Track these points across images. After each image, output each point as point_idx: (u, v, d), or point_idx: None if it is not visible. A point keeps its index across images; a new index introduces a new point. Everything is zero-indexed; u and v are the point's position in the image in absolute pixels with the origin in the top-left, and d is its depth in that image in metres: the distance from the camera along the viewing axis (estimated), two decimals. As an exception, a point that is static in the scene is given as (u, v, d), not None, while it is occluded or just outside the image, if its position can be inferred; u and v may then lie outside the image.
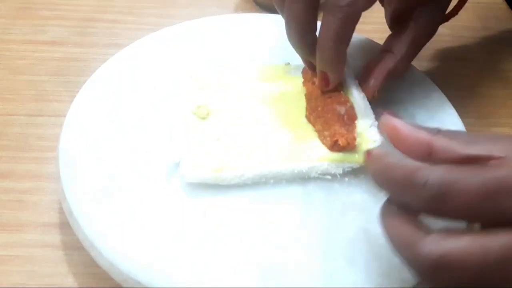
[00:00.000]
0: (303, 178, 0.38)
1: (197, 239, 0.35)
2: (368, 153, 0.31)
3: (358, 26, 0.41)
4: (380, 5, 0.45)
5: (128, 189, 0.37)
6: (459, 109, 0.45)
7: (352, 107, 0.40)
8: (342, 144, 0.38)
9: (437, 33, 0.59)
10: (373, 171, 0.30)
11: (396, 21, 0.44)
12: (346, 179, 0.39)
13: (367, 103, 0.41)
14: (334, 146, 0.38)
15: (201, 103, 0.42)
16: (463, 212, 0.27)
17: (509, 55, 0.58)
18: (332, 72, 0.39)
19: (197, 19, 0.51)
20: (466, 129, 0.43)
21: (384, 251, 0.35)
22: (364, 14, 0.38)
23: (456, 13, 0.50)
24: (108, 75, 0.45)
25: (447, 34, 0.60)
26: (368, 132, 0.39)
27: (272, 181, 0.38)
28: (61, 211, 0.39)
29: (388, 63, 0.42)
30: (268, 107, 0.42)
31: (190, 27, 0.50)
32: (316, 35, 0.39)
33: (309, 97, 0.42)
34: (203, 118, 0.41)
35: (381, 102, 0.44)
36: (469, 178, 0.26)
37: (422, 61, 0.56)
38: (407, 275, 0.33)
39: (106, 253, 0.34)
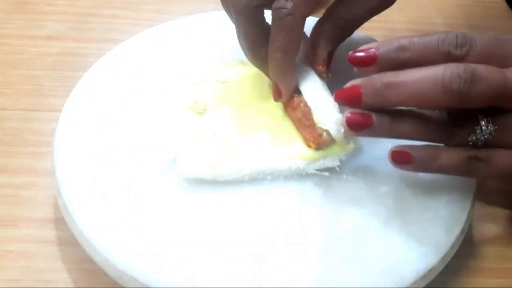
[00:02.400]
0: (300, 175, 0.38)
1: (193, 235, 0.35)
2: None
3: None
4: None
5: (123, 185, 0.37)
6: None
7: (305, 105, 0.38)
8: (313, 146, 0.38)
9: (436, 31, 0.59)
10: None
11: None
12: (344, 176, 0.38)
13: (325, 92, 0.39)
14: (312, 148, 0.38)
15: (198, 99, 0.42)
16: None
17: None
18: (281, 83, 0.39)
19: (194, 14, 0.51)
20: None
21: (382, 249, 0.35)
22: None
23: None
24: (105, 70, 0.45)
25: (447, 32, 0.60)
26: (332, 119, 0.37)
27: (269, 177, 0.38)
28: (56, 206, 0.39)
29: (328, 31, 0.40)
30: (266, 103, 0.42)
31: (188, 23, 0.50)
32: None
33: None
34: (200, 114, 0.41)
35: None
36: None
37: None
38: (406, 273, 0.33)
39: (101, 249, 0.34)
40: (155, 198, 0.37)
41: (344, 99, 0.35)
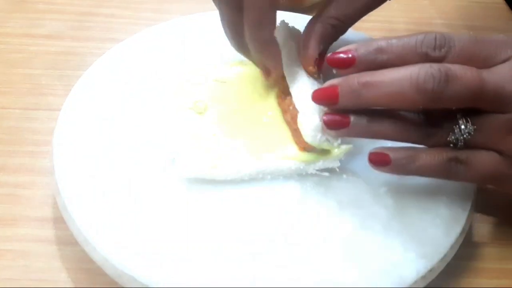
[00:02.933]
0: (300, 175, 0.38)
1: (192, 235, 0.35)
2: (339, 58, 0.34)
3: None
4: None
5: (123, 184, 0.37)
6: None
7: (294, 108, 0.38)
8: (300, 150, 0.38)
9: (436, 31, 0.60)
10: None
11: None
12: (344, 176, 0.38)
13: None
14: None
15: (197, 98, 0.42)
16: None
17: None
18: (265, 59, 0.39)
19: (193, 14, 0.51)
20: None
21: (382, 249, 0.35)
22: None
23: None
24: (104, 69, 0.45)
25: (447, 33, 0.60)
26: (310, 125, 0.36)
27: (269, 177, 0.38)
28: (55, 205, 0.39)
29: (318, 30, 0.40)
30: (265, 103, 0.42)
31: (187, 22, 0.50)
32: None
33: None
34: (200, 113, 0.41)
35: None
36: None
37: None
38: (405, 273, 0.33)
39: (100, 249, 0.34)
40: (154, 198, 0.37)
41: (321, 99, 0.35)
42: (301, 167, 0.38)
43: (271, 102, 0.42)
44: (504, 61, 0.33)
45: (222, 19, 0.39)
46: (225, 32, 0.40)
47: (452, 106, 0.33)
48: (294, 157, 0.38)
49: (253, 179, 0.38)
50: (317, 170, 0.38)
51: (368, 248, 0.35)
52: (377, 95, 0.32)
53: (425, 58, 0.32)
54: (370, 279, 0.33)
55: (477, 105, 0.33)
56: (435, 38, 0.33)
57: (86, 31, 0.55)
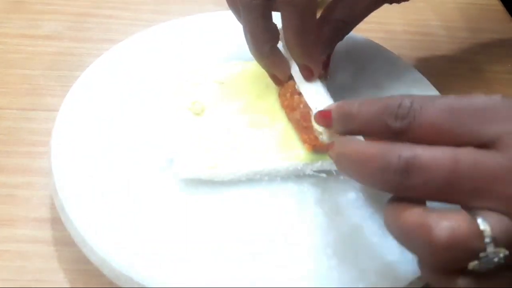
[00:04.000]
0: (298, 176, 0.38)
1: (190, 235, 0.35)
2: (321, 112, 0.33)
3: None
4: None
5: (121, 185, 0.37)
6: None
7: (305, 106, 0.38)
8: (308, 149, 0.38)
9: (434, 33, 0.60)
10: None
11: None
12: (341, 177, 0.38)
13: (325, 94, 0.39)
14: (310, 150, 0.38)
15: (196, 99, 0.42)
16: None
17: (505, 57, 0.58)
18: (310, 62, 0.38)
19: (192, 15, 0.51)
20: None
21: (378, 250, 0.35)
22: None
23: None
24: (102, 70, 0.45)
25: (444, 35, 0.60)
26: None
27: (266, 178, 0.38)
28: (52, 206, 0.39)
29: (325, 34, 0.40)
30: (263, 103, 0.42)
31: (185, 23, 0.50)
32: (275, 45, 0.39)
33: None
34: (198, 114, 0.41)
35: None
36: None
37: (419, 61, 0.56)
38: (402, 273, 0.33)
39: (97, 249, 0.34)
40: (152, 198, 0.37)
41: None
42: (299, 168, 0.38)
43: (270, 102, 0.42)
44: (489, 141, 0.26)
45: (245, 27, 0.38)
46: (246, 39, 0.39)
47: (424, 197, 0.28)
48: (293, 158, 0.38)
49: (251, 180, 0.38)
50: (314, 171, 0.38)
51: (365, 248, 0.35)
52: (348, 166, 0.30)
53: (386, 129, 0.29)
54: (368, 280, 0.33)
55: (451, 196, 0.27)
56: (399, 106, 0.28)
57: (84, 31, 0.55)
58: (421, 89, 0.46)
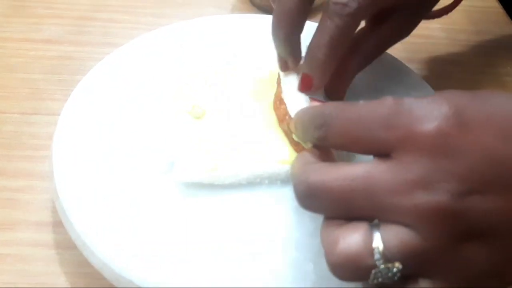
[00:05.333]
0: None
1: (190, 239, 0.35)
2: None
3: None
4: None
5: (121, 188, 0.37)
6: (455, 112, 0.44)
7: (290, 117, 0.38)
8: None
9: (433, 36, 0.60)
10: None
11: (373, 17, 0.42)
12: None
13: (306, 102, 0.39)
14: None
15: (196, 103, 0.42)
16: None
17: (505, 59, 0.58)
18: (318, 78, 0.38)
19: (192, 19, 0.51)
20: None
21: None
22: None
23: (446, 13, 0.49)
24: (103, 74, 0.45)
25: (444, 37, 0.60)
26: None
27: (267, 181, 0.38)
28: (54, 210, 0.39)
29: (355, 67, 0.41)
30: (263, 107, 0.42)
31: (186, 27, 0.50)
32: (300, 36, 0.38)
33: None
34: (198, 118, 0.41)
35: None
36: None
37: (419, 64, 0.56)
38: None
39: (98, 253, 0.34)
40: (153, 202, 0.37)
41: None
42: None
43: (269, 106, 0.42)
44: (389, 149, 0.26)
45: (280, 7, 0.37)
46: (278, 19, 0.38)
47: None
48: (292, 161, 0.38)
49: (251, 183, 0.38)
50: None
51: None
52: None
53: (311, 137, 0.30)
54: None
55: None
56: (320, 114, 0.29)
57: (85, 35, 0.55)
58: (421, 92, 0.46)
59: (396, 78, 0.47)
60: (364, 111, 0.27)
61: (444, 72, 0.56)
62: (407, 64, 0.49)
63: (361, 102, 0.28)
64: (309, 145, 0.35)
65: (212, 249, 0.35)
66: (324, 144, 0.30)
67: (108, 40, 0.55)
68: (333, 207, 0.27)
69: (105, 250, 0.34)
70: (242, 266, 0.34)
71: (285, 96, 0.39)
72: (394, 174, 0.25)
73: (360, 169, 0.26)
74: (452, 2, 0.49)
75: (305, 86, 0.39)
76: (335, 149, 0.31)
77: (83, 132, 0.40)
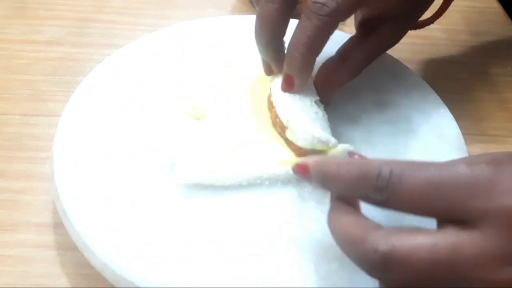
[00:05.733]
0: (298, 180, 0.38)
1: (191, 240, 0.35)
2: (299, 166, 0.32)
3: (348, 28, 0.42)
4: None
5: (122, 190, 0.37)
6: (455, 113, 0.45)
7: (281, 120, 0.39)
8: (297, 156, 0.38)
9: (434, 37, 0.60)
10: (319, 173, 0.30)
11: (363, 27, 0.43)
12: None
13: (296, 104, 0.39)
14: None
15: (196, 104, 0.42)
16: (414, 206, 0.27)
17: (505, 60, 0.58)
18: (299, 77, 0.38)
19: (193, 20, 0.51)
20: (462, 132, 0.43)
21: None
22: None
23: (429, 24, 0.49)
24: (104, 75, 0.45)
25: (444, 38, 0.60)
26: (300, 130, 0.38)
27: (267, 182, 0.38)
28: (55, 211, 0.39)
29: (343, 74, 0.41)
30: (263, 108, 0.42)
31: (187, 28, 0.50)
32: (283, 40, 0.39)
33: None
34: (198, 119, 0.41)
35: (377, 106, 0.44)
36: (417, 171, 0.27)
37: (418, 65, 0.56)
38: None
39: (99, 254, 0.34)
40: (154, 203, 0.37)
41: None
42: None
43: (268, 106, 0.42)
44: (471, 220, 0.25)
45: (261, 13, 0.38)
46: (259, 26, 0.38)
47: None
48: (292, 162, 0.38)
49: (251, 184, 0.38)
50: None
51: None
52: None
53: (365, 197, 0.28)
54: (366, 284, 0.33)
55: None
56: (378, 176, 0.27)
57: (86, 37, 0.56)
58: (421, 92, 0.46)
59: (396, 78, 0.47)
60: (437, 177, 0.26)
61: (444, 73, 0.56)
62: (407, 65, 0.50)
63: (430, 166, 0.27)
64: (302, 142, 0.35)
65: (213, 249, 0.35)
66: (382, 206, 0.28)
67: (109, 42, 0.55)
68: (412, 280, 0.25)
69: (106, 251, 0.34)
70: (242, 267, 0.34)
71: (274, 100, 0.39)
72: (481, 247, 0.25)
73: (444, 241, 0.25)
74: (436, 12, 0.49)
75: (287, 86, 0.39)
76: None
77: (84, 134, 0.40)
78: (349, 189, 0.29)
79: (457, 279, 0.25)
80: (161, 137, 0.41)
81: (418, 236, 0.26)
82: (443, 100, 0.46)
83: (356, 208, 0.30)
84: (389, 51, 0.50)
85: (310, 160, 0.32)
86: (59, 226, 0.38)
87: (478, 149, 0.47)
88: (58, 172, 0.38)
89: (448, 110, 0.45)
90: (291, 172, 0.37)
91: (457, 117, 0.44)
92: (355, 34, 0.43)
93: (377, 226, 0.27)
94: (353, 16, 0.44)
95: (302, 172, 0.32)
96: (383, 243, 0.26)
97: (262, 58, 0.41)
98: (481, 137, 0.49)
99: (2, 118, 0.47)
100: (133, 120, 0.42)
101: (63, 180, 0.37)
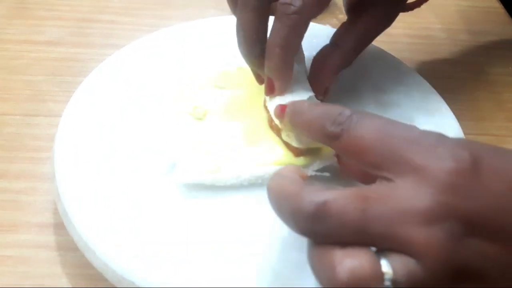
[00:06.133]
0: (299, 180, 0.38)
1: (192, 240, 0.35)
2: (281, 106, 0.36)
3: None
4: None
5: (123, 190, 0.37)
6: (457, 112, 0.44)
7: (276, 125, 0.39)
8: (296, 156, 0.38)
9: (434, 36, 0.60)
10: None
11: (353, 11, 0.42)
12: (343, 180, 0.38)
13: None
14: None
15: (197, 104, 0.42)
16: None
17: (506, 59, 0.58)
18: (278, 79, 0.38)
19: (194, 20, 0.51)
20: (463, 132, 0.43)
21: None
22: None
23: (419, 5, 0.48)
24: (105, 75, 0.45)
25: (445, 37, 0.60)
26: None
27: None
28: (55, 211, 0.39)
29: (336, 61, 0.41)
30: (264, 108, 0.42)
31: (187, 29, 0.50)
32: (264, 47, 0.38)
33: None
34: (199, 119, 0.41)
35: (378, 105, 0.44)
36: None
37: (420, 64, 0.56)
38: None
39: (100, 254, 0.34)
40: (154, 204, 0.37)
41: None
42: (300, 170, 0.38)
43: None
44: (404, 172, 0.26)
45: (240, 24, 0.38)
46: (238, 36, 0.39)
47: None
48: (293, 162, 0.38)
49: (252, 184, 0.38)
50: (317, 171, 0.38)
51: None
52: None
53: (321, 131, 0.30)
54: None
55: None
56: (339, 114, 0.29)
57: (86, 37, 0.56)
58: (422, 92, 0.46)
59: (396, 78, 0.47)
60: (390, 128, 0.28)
61: (445, 72, 0.56)
62: (407, 64, 0.49)
63: (388, 119, 0.28)
64: (296, 143, 0.35)
65: (213, 250, 0.35)
66: (331, 145, 0.29)
67: (110, 42, 0.55)
68: (342, 232, 0.26)
69: (107, 251, 0.34)
70: (243, 267, 0.34)
71: (268, 104, 0.39)
72: (409, 200, 0.25)
73: (375, 192, 0.26)
74: None
75: (269, 90, 0.39)
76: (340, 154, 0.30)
77: (85, 134, 0.40)
78: (312, 121, 0.31)
79: (383, 234, 0.25)
80: (161, 137, 0.40)
81: (351, 189, 0.26)
82: (444, 99, 0.46)
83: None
84: (389, 51, 0.50)
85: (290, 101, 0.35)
86: (59, 226, 0.38)
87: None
88: (59, 172, 0.38)
89: (449, 110, 0.45)
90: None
91: (457, 117, 0.44)
92: (346, 20, 0.42)
93: (312, 183, 0.28)
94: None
95: (280, 111, 0.36)
96: (318, 194, 0.26)
97: (251, 68, 0.41)
98: (481, 137, 0.49)
99: (3, 118, 0.47)
100: (134, 120, 0.42)
101: (64, 180, 0.37)
